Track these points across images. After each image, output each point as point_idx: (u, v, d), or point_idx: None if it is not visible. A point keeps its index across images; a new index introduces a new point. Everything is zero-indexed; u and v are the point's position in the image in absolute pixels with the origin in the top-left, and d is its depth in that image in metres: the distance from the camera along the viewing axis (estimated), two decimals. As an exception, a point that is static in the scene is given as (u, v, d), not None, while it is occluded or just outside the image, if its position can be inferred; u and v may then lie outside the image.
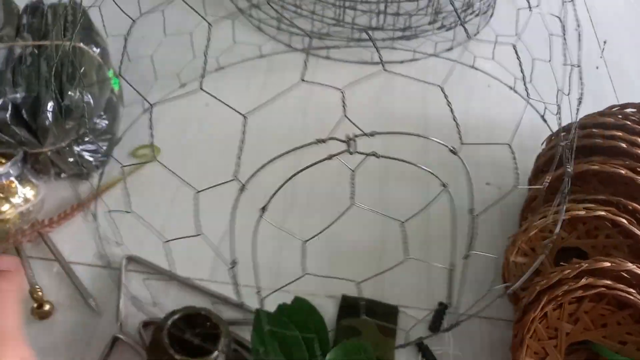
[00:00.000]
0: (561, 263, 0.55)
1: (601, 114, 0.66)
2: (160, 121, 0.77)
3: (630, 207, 0.56)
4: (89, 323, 0.58)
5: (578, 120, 0.68)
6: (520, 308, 0.55)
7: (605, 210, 0.56)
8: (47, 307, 0.58)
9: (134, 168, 0.72)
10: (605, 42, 0.95)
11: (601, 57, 0.93)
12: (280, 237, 0.64)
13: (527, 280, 0.59)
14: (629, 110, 0.67)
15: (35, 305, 0.58)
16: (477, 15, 0.89)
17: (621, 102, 0.87)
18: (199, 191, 0.44)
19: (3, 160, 0.65)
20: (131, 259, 0.63)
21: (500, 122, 0.83)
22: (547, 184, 0.58)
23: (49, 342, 0.57)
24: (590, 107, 0.69)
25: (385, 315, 0.61)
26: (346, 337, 0.58)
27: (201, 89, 0.43)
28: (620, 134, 0.61)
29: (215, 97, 0.43)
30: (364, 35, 0.84)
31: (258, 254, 0.49)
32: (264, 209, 0.44)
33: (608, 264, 0.52)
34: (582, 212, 0.55)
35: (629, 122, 0.62)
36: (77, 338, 0.57)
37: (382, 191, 0.73)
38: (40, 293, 0.59)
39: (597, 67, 0.91)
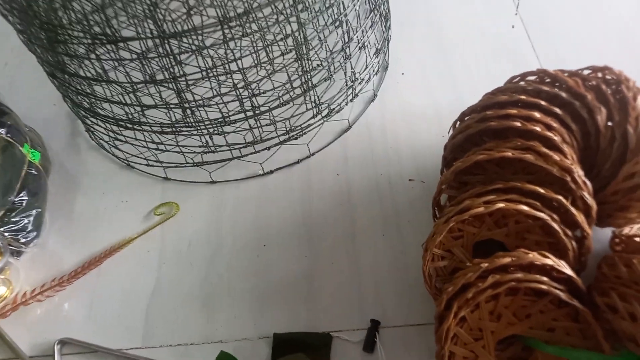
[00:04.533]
0: (474, 260, 0.54)
1: (498, 90, 0.63)
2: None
3: (528, 189, 0.54)
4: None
5: (479, 100, 0.65)
6: (436, 317, 0.53)
7: (504, 201, 0.54)
8: None
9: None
10: (518, -4, 0.90)
11: (516, 13, 0.89)
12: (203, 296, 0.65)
13: (448, 279, 0.57)
14: (529, 78, 0.64)
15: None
16: (367, 81, 0.82)
17: (542, 61, 0.84)
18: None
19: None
20: (64, 342, 0.63)
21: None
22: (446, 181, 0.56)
23: None
24: (510, 71, 0.66)
25: (319, 345, 0.60)
26: (282, 377, 0.57)
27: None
28: (514, 111, 0.58)
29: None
30: (245, 151, 0.74)
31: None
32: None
33: (508, 260, 0.50)
34: (482, 209, 0.53)
35: (523, 97, 0.59)
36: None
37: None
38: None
39: (512, 26, 0.87)
